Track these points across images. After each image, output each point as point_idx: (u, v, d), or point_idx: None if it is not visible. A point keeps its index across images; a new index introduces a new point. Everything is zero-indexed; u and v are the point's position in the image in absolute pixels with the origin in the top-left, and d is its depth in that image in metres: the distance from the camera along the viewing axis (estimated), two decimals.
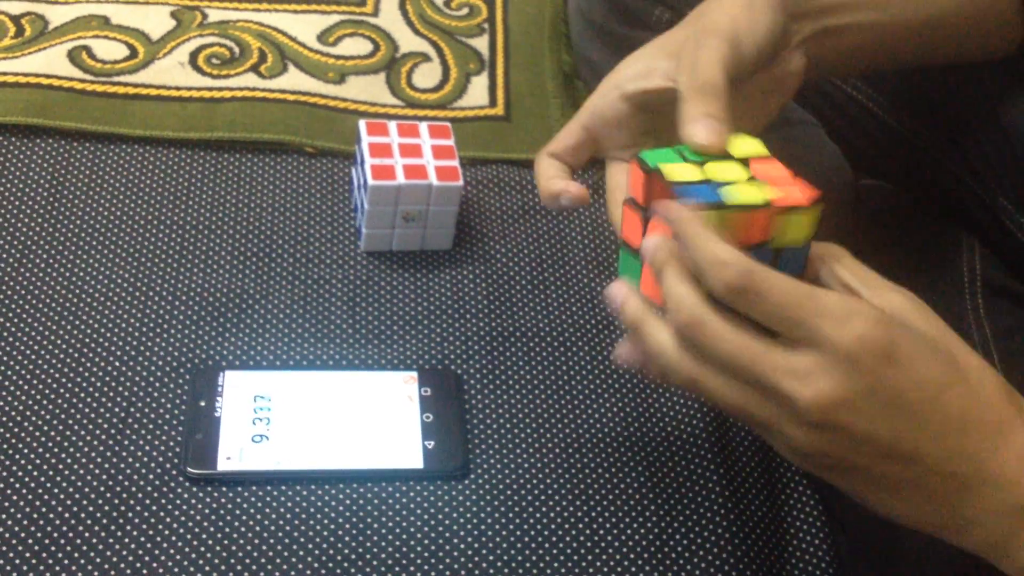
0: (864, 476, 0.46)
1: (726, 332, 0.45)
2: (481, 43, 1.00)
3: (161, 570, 0.61)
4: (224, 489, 0.65)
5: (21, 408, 0.67)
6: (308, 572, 0.62)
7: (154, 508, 0.64)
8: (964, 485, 0.45)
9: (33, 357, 0.70)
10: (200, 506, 0.64)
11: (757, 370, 0.44)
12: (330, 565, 0.63)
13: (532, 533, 0.66)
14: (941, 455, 0.45)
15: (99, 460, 0.66)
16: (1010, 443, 0.45)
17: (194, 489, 0.65)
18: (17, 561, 0.61)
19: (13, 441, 0.66)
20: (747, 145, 0.52)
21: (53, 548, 0.61)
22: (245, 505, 0.65)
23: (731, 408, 0.47)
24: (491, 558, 0.64)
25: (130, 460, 0.66)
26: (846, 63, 0.64)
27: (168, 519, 0.63)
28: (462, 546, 0.65)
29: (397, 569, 0.63)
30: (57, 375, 0.69)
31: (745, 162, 0.51)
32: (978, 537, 0.46)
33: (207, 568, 0.62)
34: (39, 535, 0.62)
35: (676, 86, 0.55)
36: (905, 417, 0.44)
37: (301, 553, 0.63)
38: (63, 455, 0.66)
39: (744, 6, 0.56)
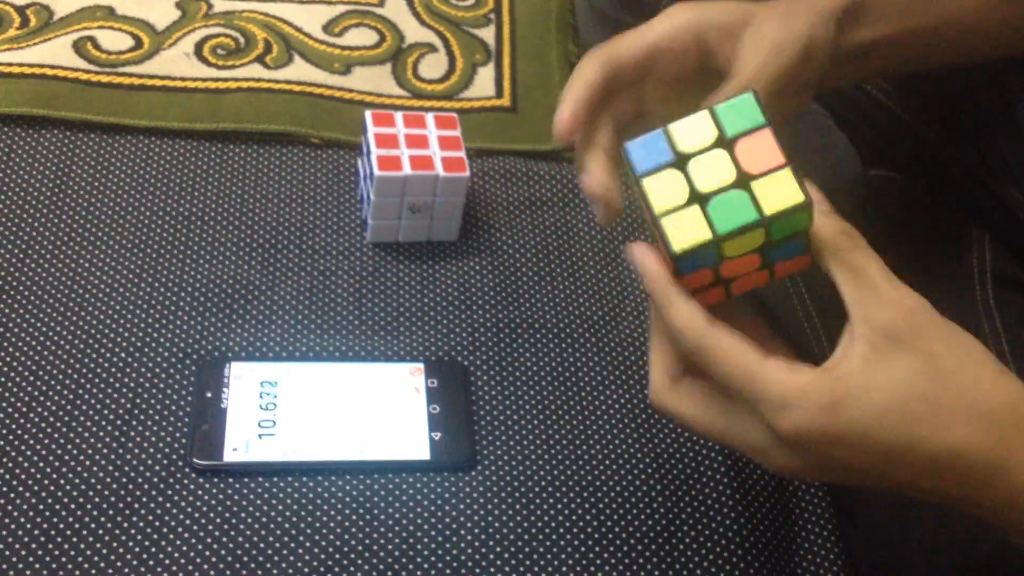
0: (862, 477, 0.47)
1: (693, 395, 0.49)
2: (487, 34, 0.99)
3: (167, 561, 0.61)
4: (230, 480, 0.65)
5: (27, 399, 0.67)
6: (315, 563, 0.62)
7: (160, 499, 0.64)
8: (983, 484, 0.45)
9: (39, 348, 0.70)
10: (206, 497, 0.64)
11: (723, 438, 0.49)
12: (336, 556, 0.63)
13: (539, 525, 0.66)
14: (922, 491, 0.46)
15: (105, 451, 0.65)
16: (999, 484, 0.44)
17: (200, 480, 0.65)
18: (23, 552, 0.60)
19: (20, 432, 0.66)
20: (741, 116, 0.48)
21: (59, 539, 0.61)
22: (251, 496, 0.64)
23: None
24: (498, 549, 0.64)
25: (136, 451, 0.66)
26: (870, 72, 0.64)
27: (174, 510, 0.63)
28: (469, 537, 0.64)
29: (404, 560, 0.63)
30: (63, 366, 0.69)
31: (731, 143, 0.47)
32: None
33: (213, 559, 0.62)
34: (46, 526, 0.62)
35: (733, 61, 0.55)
36: (867, 477, 0.46)
37: (308, 544, 0.63)
38: (69, 446, 0.65)
39: (818, 22, 0.56)
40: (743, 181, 0.46)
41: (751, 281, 0.50)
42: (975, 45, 0.63)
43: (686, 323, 0.46)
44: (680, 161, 0.47)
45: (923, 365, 0.44)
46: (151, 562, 0.61)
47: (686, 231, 0.46)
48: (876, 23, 0.59)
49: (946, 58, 0.64)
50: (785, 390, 0.44)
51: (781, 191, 0.46)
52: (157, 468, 0.65)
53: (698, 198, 0.47)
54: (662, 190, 0.47)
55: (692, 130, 0.47)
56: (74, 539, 0.61)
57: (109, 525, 0.62)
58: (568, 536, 0.65)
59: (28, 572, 0.60)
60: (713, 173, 0.47)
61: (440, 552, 0.63)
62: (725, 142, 0.47)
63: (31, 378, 0.68)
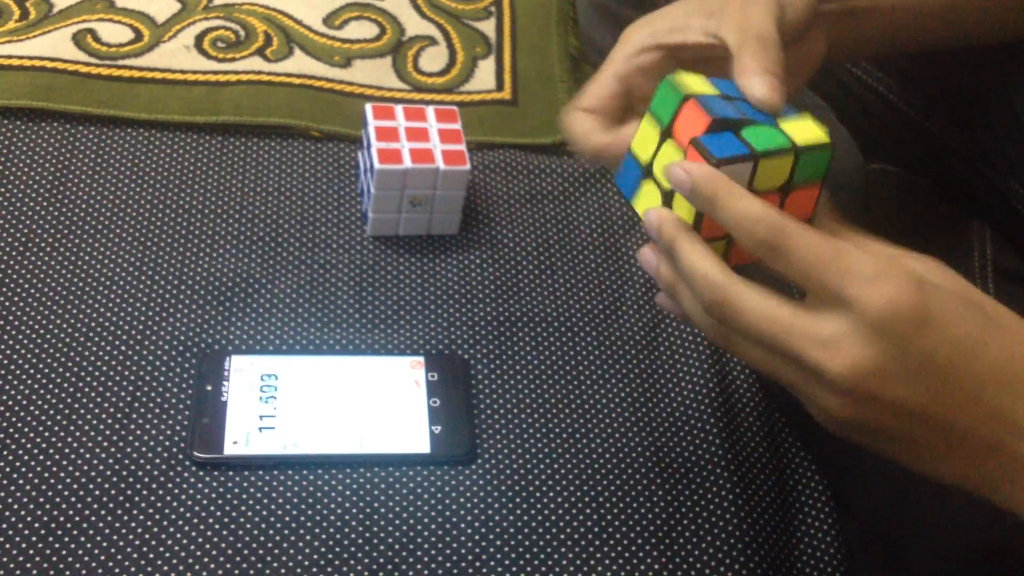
0: (895, 440, 0.46)
1: (752, 304, 0.45)
2: (488, 27, 0.99)
3: (167, 554, 0.61)
4: (231, 473, 0.65)
5: (27, 392, 0.67)
6: (315, 556, 0.62)
7: (161, 492, 0.64)
8: (998, 446, 0.44)
9: (39, 341, 0.70)
10: (207, 490, 0.64)
11: (784, 341, 0.44)
12: (336, 550, 0.63)
13: (539, 518, 0.66)
14: (974, 418, 0.44)
15: (106, 444, 0.65)
16: None
17: (200, 473, 0.65)
18: (24, 545, 0.60)
19: (20, 425, 0.66)
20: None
21: (60, 532, 0.61)
22: (252, 489, 0.64)
23: (763, 372, 0.47)
24: (498, 543, 0.64)
25: (137, 444, 0.66)
26: (863, 46, 0.64)
27: (175, 503, 0.63)
28: (469, 531, 0.64)
29: (404, 554, 0.63)
30: (63, 359, 0.69)
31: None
32: (1007, 494, 0.45)
33: (213, 552, 0.62)
34: (46, 519, 0.62)
35: (717, 42, 0.54)
36: (938, 380, 0.43)
37: (308, 537, 0.63)
38: (69, 439, 0.65)
39: None
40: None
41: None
42: (963, 20, 0.64)
43: (760, 213, 0.45)
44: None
45: (972, 288, 0.46)
46: (151, 555, 0.61)
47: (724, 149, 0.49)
48: None
49: (937, 33, 0.64)
50: (878, 263, 0.43)
51: (808, 131, 0.49)
52: (157, 461, 0.65)
53: (731, 125, 0.49)
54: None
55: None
56: (74, 531, 0.61)
57: (109, 518, 0.62)
58: (568, 530, 0.65)
59: (29, 565, 0.60)
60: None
61: (440, 545, 0.64)
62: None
63: (31, 371, 0.68)
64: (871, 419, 0.44)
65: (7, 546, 0.60)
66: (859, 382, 0.43)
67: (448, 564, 0.63)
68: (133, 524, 0.62)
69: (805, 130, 0.49)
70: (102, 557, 0.61)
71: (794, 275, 0.44)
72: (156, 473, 0.65)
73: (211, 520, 0.63)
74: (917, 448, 0.45)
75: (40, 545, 0.61)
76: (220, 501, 0.64)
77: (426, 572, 0.62)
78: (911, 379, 0.43)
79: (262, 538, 0.63)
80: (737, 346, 0.48)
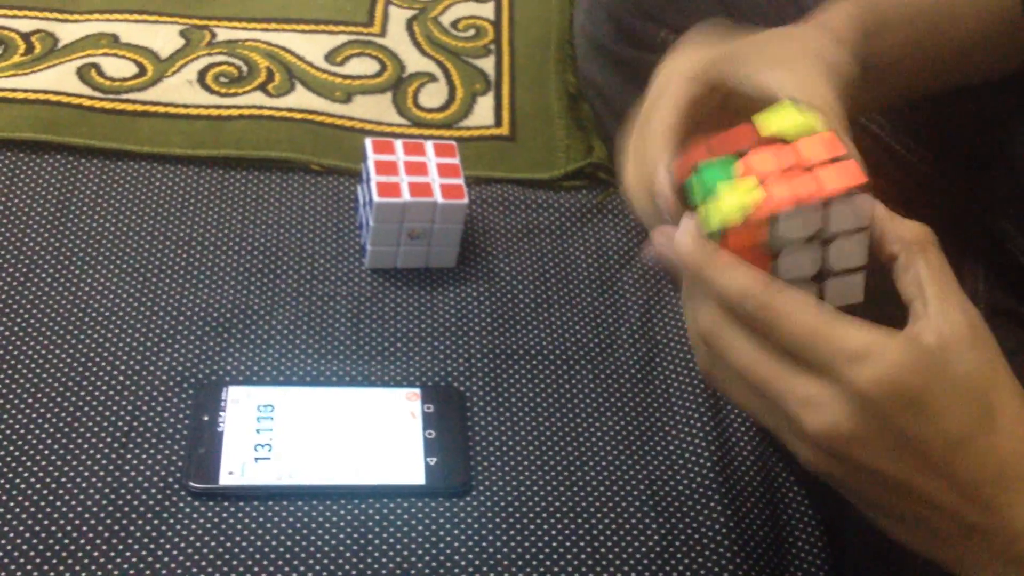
0: (869, 501, 0.46)
1: (743, 344, 0.45)
2: (487, 64, 1.00)
3: None
4: (226, 504, 0.65)
5: (25, 421, 0.68)
6: None
7: (156, 522, 0.64)
8: (974, 531, 0.44)
9: (38, 371, 0.70)
10: (202, 520, 0.64)
11: (769, 388, 0.44)
12: None
13: (533, 551, 0.66)
14: (957, 503, 0.44)
15: (102, 473, 0.66)
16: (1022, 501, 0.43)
17: (196, 503, 0.65)
18: (19, 574, 0.61)
19: (17, 454, 0.66)
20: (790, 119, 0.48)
21: (55, 560, 0.61)
22: (247, 520, 0.65)
23: (744, 411, 0.47)
24: (492, 575, 0.64)
25: (133, 474, 0.66)
26: (878, 102, 0.65)
27: (170, 533, 0.63)
28: (463, 563, 0.64)
29: None
30: (62, 388, 0.70)
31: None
32: None
33: None
34: (41, 547, 0.62)
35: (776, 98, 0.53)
36: (920, 461, 0.43)
37: (302, 568, 0.63)
38: (66, 468, 0.66)
39: (835, 47, 0.56)
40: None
41: None
42: (981, 57, 0.64)
43: (745, 283, 0.44)
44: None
45: (987, 370, 0.44)
46: None
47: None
48: (886, 33, 0.59)
49: (946, 80, 0.65)
50: (869, 342, 0.42)
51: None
52: (153, 491, 0.65)
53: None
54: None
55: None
56: (70, 560, 0.62)
57: (105, 547, 0.62)
58: (562, 562, 0.66)
59: None
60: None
61: None
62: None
63: (30, 400, 0.69)
64: (847, 477, 0.45)
65: (3, 574, 0.60)
66: (835, 443, 0.43)
67: None
68: (128, 553, 0.62)
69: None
70: None
71: (783, 345, 0.44)
72: (152, 502, 0.65)
73: (206, 550, 0.63)
74: (892, 514, 0.45)
75: (36, 574, 0.61)
76: (215, 531, 0.64)
77: None
78: (891, 453, 0.43)
79: (256, 568, 0.63)
80: (720, 383, 0.47)
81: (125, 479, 0.66)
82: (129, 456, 0.67)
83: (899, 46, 0.60)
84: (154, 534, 0.63)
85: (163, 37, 0.97)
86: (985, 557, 0.44)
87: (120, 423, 0.68)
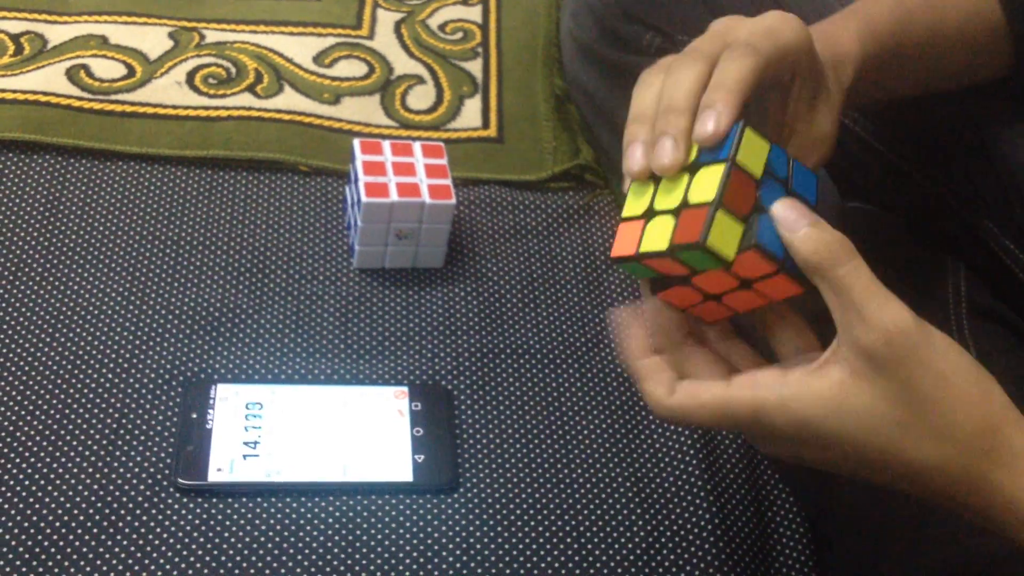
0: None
1: (691, 396, 0.50)
2: (475, 66, 1.01)
3: None
4: (214, 500, 0.66)
5: (14, 419, 0.68)
6: None
7: (145, 519, 0.64)
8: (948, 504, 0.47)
9: (27, 369, 0.71)
10: (190, 517, 0.65)
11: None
12: None
13: (520, 547, 0.66)
14: (906, 489, 0.48)
15: (91, 470, 0.66)
16: (971, 502, 0.46)
17: (184, 500, 0.65)
18: (8, 569, 0.61)
19: (6, 451, 0.66)
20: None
21: (44, 556, 0.62)
22: (235, 516, 0.65)
23: None
24: (479, 571, 0.65)
25: (121, 471, 0.66)
26: (861, 99, 0.66)
27: (158, 529, 0.64)
28: (451, 559, 0.65)
29: None
30: (50, 386, 0.70)
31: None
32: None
33: None
34: (30, 543, 0.62)
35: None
36: (848, 470, 0.48)
37: (290, 564, 0.63)
38: (55, 465, 0.66)
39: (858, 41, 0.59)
40: (678, 211, 0.48)
41: (745, 301, 0.50)
42: (965, 62, 0.66)
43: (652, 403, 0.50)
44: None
45: (898, 392, 0.45)
46: None
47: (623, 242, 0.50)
48: (881, 38, 0.61)
49: (940, 75, 0.66)
50: (749, 409, 0.47)
51: (693, 226, 0.47)
52: (142, 487, 0.66)
53: (648, 215, 0.49)
54: (634, 199, 0.50)
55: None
56: (58, 556, 0.62)
57: (93, 543, 0.63)
58: (549, 559, 0.66)
59: None
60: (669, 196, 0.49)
61: (422, 573, 0.64)
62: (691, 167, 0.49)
63: (18, 398, 0.69)
64: (798, 458, 0.49)
65: None
66: (772, 451, 0.51)
67: None
68: (117, 549, 0.63)
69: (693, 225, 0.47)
70: None
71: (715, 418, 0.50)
72: (140, 499, 0.65)
73: (194, 546, 0.63)
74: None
75: (24, 569, 0.61)
76: (204, 527, 0.64)
77: None
78: (819, 465, 0.49)
79: (245, 564, 0.63)
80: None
81: (114, 476, 0.66)
82: (118, 453, 0.67)
83: (889, 51, 0.61)
84: (143, 530, 0.64)
85: (152, 39, 0.97)
86: (985, 512, 0.47)
87: (109, 420, 0.69)
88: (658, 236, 0.48)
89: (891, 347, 0.44)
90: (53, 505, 0.64)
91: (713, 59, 0.51)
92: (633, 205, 0.50)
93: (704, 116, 0.49)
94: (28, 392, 0.69)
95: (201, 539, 0.64)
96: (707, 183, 0.48)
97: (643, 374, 0.51)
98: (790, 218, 0.47)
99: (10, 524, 0.63)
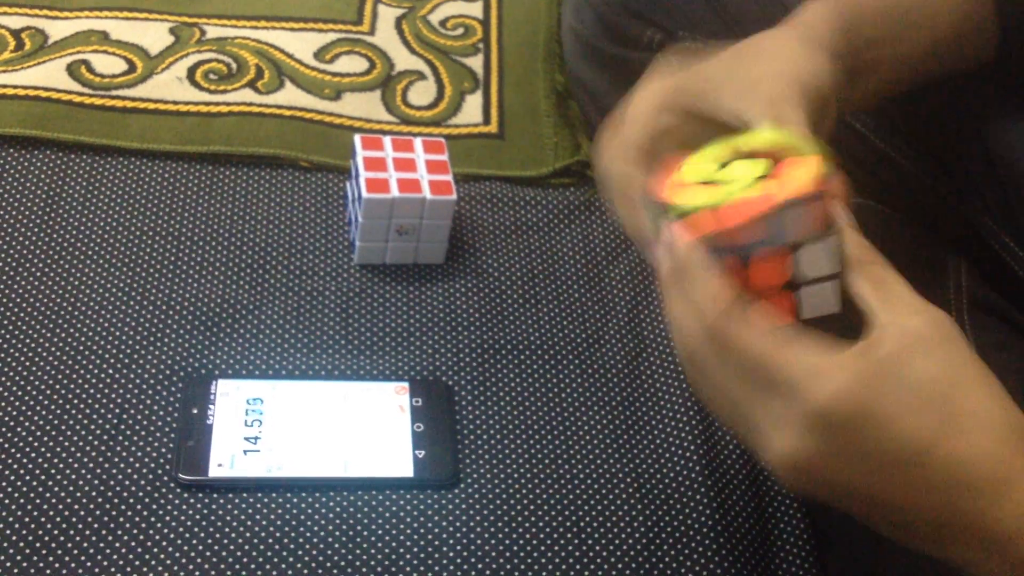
0: (848, 511, 0.46)
1: (719, 364, 0.46)
2: (476, 62, 1.01)
3: (152, 575, 0.62)
4: (215, 496, 0.66)
5: (15, 414, 0.68)
6: None
7: (145, 514, 0.64)
8: (953, 536, 0.44)
9: (28, 364, 0.71)
10: (191, 512, 0.65)
11: (739, 409, 0.46)
12: (319, 572, 0.63)
13: (521, 543, 0.66)
14: (926, 508, 0.44)
15: (91, 466, 0.66)
16: (1008, 499, 0.43)
17: (185, 495, 0.65)
18: (8, 564, 0.61)
19: (7, 447, 0.66)
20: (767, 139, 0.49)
21: (44, 552, 0.62)
22: (236, 512, 0.65)
23: (728, 429, 0.48)
24: (480, 567, 0.65)
25: (122, 466, 0.66)
26: (859, 104, 0.66)
27: (159, 524, 0.64)
28: (451, 555, 0.65)
29: None
30: (51, 382, 0.70)
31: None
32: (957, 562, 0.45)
33: (197, 574, 0.62)
34: (31, 539, 0.62)
35: (747, 124, 0.54)
36: (884, 473, 0.43)
37: (291, 560, 0.63)
38: (56, 460, 0.66)
39: (807, 51, 0.57)
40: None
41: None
42: (956, 49, 0.65)
43: (717, 291, 0.45)
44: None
45: (947, 372, 0.43)
46: None
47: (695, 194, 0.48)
48: (863, 29, 0.60)
49: (932, 65, 0.65)
50: (818, 361, 0.43)
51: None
52: (143, 483, 0.66)
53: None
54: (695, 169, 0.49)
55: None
56: (59, 552, 0.62)
57: (94, 539, 0.63)
58: (549, 555, 0.66)
59: None
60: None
61: (422, 569, 0.64)
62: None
63: (19, 393, 0.69)
64: (817, 493, 0.45)
65: None
66: (798, 465, 0.44)
67: None
68: (118, 545, 0.63)
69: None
70: None
71: (737, 368, 0.45)
72: (141, 495, 0.65)
73: (195, 542, 0.63)
74: (871, 521, 0.46)
75: (25, 564, 0.61)
76: (204, 523, 0.64)
77: None
78: (851, 469, 0.43)
79: (245, 559, 0.63)
80: (707, 401, 0.49)
81: (115, 471, 0.66)
82: (119, 449, 0.67)
83: (876, 42, 0.61)
84: (143, 526, 0.64)
85: (153, 34, 0.97)
86: (975, 565, 0.44)
87: (110, 416, 0.69)
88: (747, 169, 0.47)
89: (938, 328, 0.44)
90: (54, 500, 0.64)
91: None
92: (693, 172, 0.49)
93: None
94: (29, 387, 0.69)
95: (201, 534, 0.64)
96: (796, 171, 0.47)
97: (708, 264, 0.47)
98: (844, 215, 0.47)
99: (11, 519, 0.63)
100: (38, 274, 0.76)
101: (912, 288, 0.46)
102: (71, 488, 0.65)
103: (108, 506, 0.64)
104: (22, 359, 0.71)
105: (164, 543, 0.63)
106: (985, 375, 0.45)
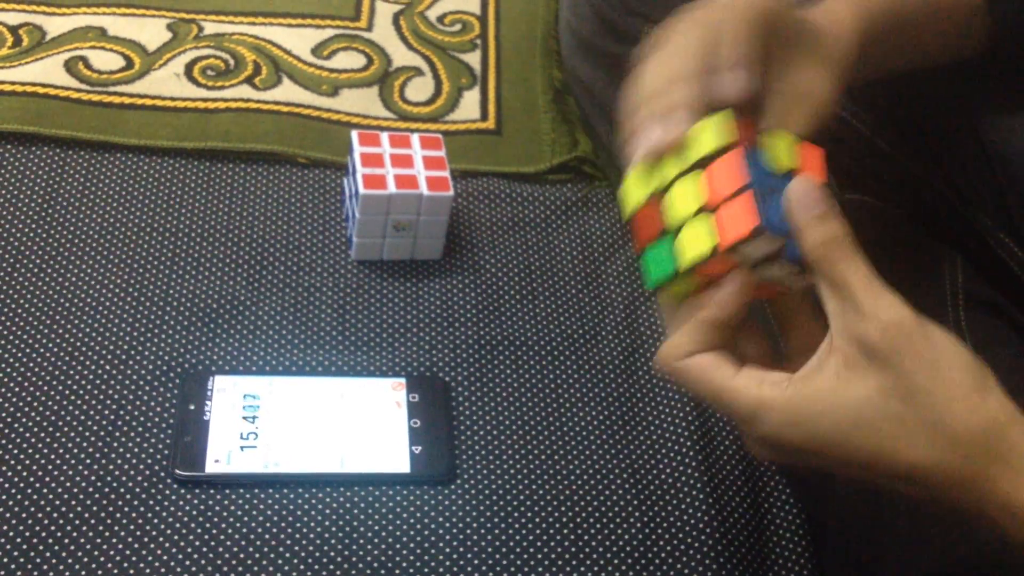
0: (839, 476, 0.49)
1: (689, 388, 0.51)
2: (473, 58, 1.01)
3: (148, 571, 0.62)
4: (212, 491, 0.66)
5: (12, 410, 0.68)
6: (294, 574, 0.63)
7: (142, 509, 0.64)
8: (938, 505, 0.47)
9: (25, 360, 0.71)
10: (188, 508, 0.65)
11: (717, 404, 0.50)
12: (316, 567, 0.63)
13: (517, 538, 0.66)
14: (898, 490, 0.47)
15: (89, 462, 0.66)
16: (963, 502, 0.45)
17: (182, 491, 0.65)
18: (5, 560, 0.61)
19: (4, 442, 0.66)
20: (713, 134, 0.49)
21: (41, 547, 0.62)
22: (232, 507, 0.65)
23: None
24: (476, 562, 0.65)
25: (119, 462, 0.66)
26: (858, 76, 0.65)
27: (156, 520, 0.64)
28: (447, 550, 0.65)
29: (383, 572, 0.64)
30: (49, 378, 0.70)
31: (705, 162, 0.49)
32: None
33: (194, 569, 0.62)
34: (28, 535, 0.62)
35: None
36: (842, 471, 0.48)
37: (287, 555, 0.64)
38: (53, 456, 0.66)
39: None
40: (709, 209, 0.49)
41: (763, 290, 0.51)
42: (947, 39, 0.65)
43: (664, 354, 0.50)
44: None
45: (894, 383, 0.44)
46: (132, 571, 0.62)
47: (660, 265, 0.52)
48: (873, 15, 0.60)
49: (923, 50, 0.66)
50: (755, 403, 0.47)
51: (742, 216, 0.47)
52: (140, 478, 0.66)
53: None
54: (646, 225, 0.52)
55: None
56: (56, 548, 0.62)
57: (91, 534, 0.63)
58: (546, 549, 0.66)
59: None
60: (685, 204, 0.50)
61: (419, 564, 0.64)
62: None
63: (16, 389, 0.69)
64: (793, 463, 0.50)
65: None
66: (765, 457, 0.51)
67: None
68: (114, 540, 0.63)
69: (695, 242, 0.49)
70: (83, 573, 0.61)
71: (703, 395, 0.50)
72: (138, 490, 0.65)
73: (192, 537, 0.64)
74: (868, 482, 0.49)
75: (22, 560, 0.61)
76: (201, 518, 0.64)
77: None
78: (815, 464, 0.48)
79: (242, 555, 0.63)
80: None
81: (112, 467, 0.66)
82: (116, 444, 0.67)
83: (885, 26, 0.61)
84: (140, 521, 0.64)
85: (150, 30, 0.97)
86: (976, 514, 0.46)
87: (107, 412, 0.69)
88: (702, 239, 0.49)
89: (887, 338, 0.44)
90: (51, 496, 0.64)
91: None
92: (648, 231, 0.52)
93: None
94: (26, 383, 0.70)
95: (198, 530, 0.64)
96: (722, 177, 0.48)
97: (675, 321, 0.52)
98: (805, 202, 0.47)
99: (8, 515, 0.63)
100: (35, 270, 0.76)
101: (874, 281, 0.46)
102: (68, 484, 0.65)
103: (105, 502, 0.64)
104: (19, 355, 0.71)
105: (161, 539, 0.63)
106: (947, 376, 0.45)
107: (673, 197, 0.50)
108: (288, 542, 0.64)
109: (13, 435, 0.67)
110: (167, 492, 0.65)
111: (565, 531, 0.67)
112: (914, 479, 0.45)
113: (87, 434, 0.68)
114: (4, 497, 0.64)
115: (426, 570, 0.64)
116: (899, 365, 0.44)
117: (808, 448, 0.46)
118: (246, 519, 0.65)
